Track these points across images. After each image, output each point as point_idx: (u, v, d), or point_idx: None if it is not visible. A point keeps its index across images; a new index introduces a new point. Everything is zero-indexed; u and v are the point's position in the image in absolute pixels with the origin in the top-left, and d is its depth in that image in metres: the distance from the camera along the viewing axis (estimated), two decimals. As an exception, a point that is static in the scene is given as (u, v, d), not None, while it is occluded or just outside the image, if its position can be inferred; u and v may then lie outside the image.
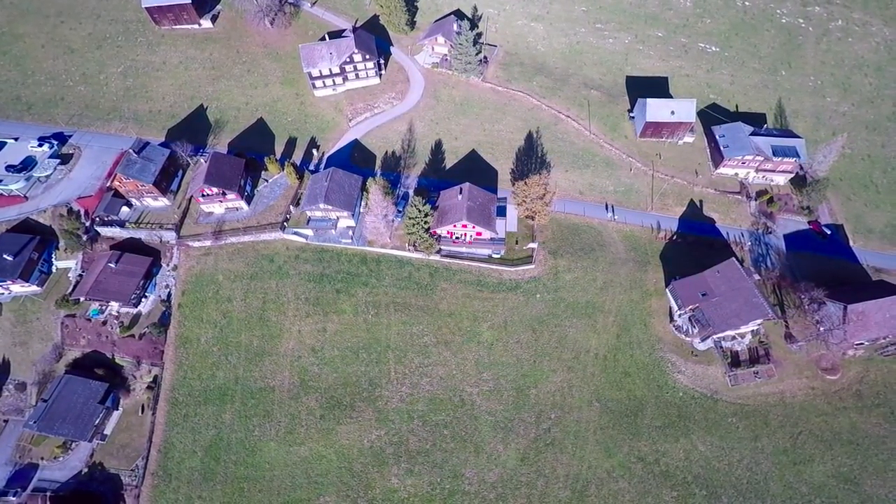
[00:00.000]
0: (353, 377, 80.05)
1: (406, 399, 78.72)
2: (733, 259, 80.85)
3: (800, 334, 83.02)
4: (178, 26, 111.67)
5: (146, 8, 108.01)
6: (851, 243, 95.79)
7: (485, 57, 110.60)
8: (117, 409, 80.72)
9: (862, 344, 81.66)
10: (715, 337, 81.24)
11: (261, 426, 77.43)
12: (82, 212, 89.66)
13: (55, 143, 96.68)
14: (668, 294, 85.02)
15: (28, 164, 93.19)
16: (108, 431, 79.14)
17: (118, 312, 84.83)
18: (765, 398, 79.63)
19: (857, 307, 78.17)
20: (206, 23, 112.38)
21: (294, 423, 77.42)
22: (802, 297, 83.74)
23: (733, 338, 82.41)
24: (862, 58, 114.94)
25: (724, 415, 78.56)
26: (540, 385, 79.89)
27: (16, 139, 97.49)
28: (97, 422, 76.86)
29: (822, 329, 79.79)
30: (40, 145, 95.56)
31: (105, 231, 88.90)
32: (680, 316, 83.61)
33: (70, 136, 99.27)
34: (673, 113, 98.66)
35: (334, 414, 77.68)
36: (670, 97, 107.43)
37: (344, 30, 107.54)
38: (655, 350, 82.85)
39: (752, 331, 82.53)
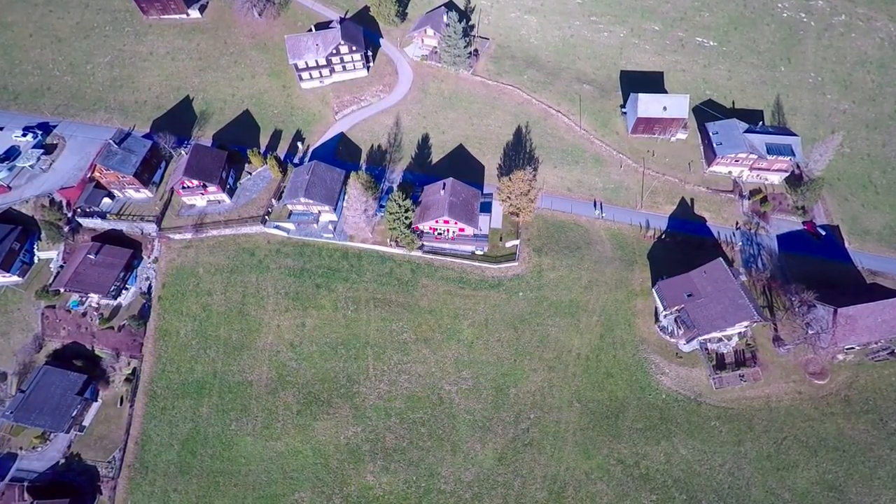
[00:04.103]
0: (330, 373, 79.33)
1: (384, 396, 77.92)
2: (720, 259, 78.87)
3: (788, 337, 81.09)
4: (165, 16, 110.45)
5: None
6: (847, 245, 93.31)
7: (475, 50, 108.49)
8: (96, 401, 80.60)
9: (852, 348, 79.67)
10: (700, 338, 79.54)
11: (238, 420, 77.05)
12: (64, 202, 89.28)
13: (39, 132, 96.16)
14: (654, 294, 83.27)
15: (11, 154, 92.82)
16: (86, 423, 79.08)
17: (98, 304, 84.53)
18: (749, 402, 77.98)
19: (848, 311, 76.04)
20: (193, 13, 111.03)
21: (271, 418, 76.95)
22: (792, 299, 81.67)
23: (719, 340, 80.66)
24: (865, 54, 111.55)
25: (707, 418, 77.06)
26: (520, 384, 78.75)
27: (0, 129, 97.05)
28: (75, 413, 76.79)
29: (810, 332, 77.80)
30: (24, 135, 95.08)
31: (86, 222, 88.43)
32: (665, 317, 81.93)
33: (55, 127, 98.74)
34: (665, 109, 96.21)
35: (311, 410, 77.09)
36: (665, 93, 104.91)
37: (332, 21, 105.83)
38: (639, 351, 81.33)
39: (739, 333, 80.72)
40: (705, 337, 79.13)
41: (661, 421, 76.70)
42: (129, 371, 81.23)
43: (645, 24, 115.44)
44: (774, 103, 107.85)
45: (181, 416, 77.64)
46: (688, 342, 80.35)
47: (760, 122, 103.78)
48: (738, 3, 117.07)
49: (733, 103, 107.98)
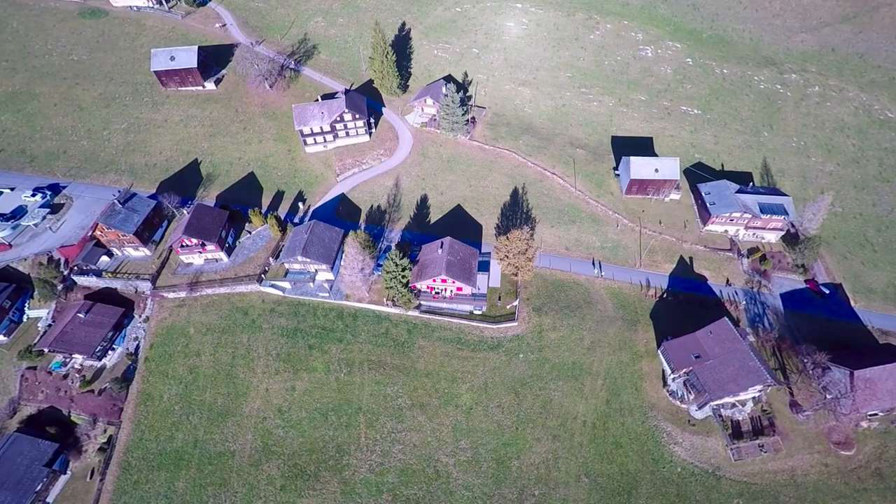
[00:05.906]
0: (319, 442, 74.01)
1: (375, 469, 71.98)
2: (725, 318, 76.73)
3: (806, 403, 76.60)
4: (183, 88, 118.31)
5: (154, 71, 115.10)
6: (853, 303, 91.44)
7: (472, 117, 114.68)
8: (65, 473, 74.52)
9: (875, 414, 74.86)
10: (712, 404, 75.09)
11: (215, 497, 70.53)
12: (62, 260, 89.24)
13: (48, 193, 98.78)
14: (660, 356, 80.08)
15: (17, 213, 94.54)
16: (50, 499, 72.45)
17: (81, 365, 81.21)
18: (773, 476, 71.74)
19: (865, 373, 72.59)
20: (209, 85, 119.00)
21: (251, 494, 70.52)
22: (805, 360, 78.28)
23: (733, 405, 76.12)
24: (842, 121, 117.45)
25: (729, 495, 70.43)
26: (522, 455, 73.04)
27: (12, 189, 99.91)
28: (39, 488, 70.70)
29: (828, 397, 73.54)
30: (33, 195, 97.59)
31: (81, 280, 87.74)
32: (673, 380, 78.06)
33: (65, 187, 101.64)
34: (657, 171, 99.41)
35: (296, 485, 70.83)
36: (656, 156, 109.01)
37: (337, 92, 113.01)
38: (648, 418, 76.43)
39: (753, 398, 76.37)
40: (718, 402, 74.74)
41: (678, 499, 70.02)
42: (105, 439, 75.97)
43: (631, 95, 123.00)
44: (762, 165, 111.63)
45: (154, 491, 71.26)
46: (699, 408, 75.77)
47: (751, 183, 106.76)
48: (717, 77, 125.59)
49: (722, 165, 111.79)
